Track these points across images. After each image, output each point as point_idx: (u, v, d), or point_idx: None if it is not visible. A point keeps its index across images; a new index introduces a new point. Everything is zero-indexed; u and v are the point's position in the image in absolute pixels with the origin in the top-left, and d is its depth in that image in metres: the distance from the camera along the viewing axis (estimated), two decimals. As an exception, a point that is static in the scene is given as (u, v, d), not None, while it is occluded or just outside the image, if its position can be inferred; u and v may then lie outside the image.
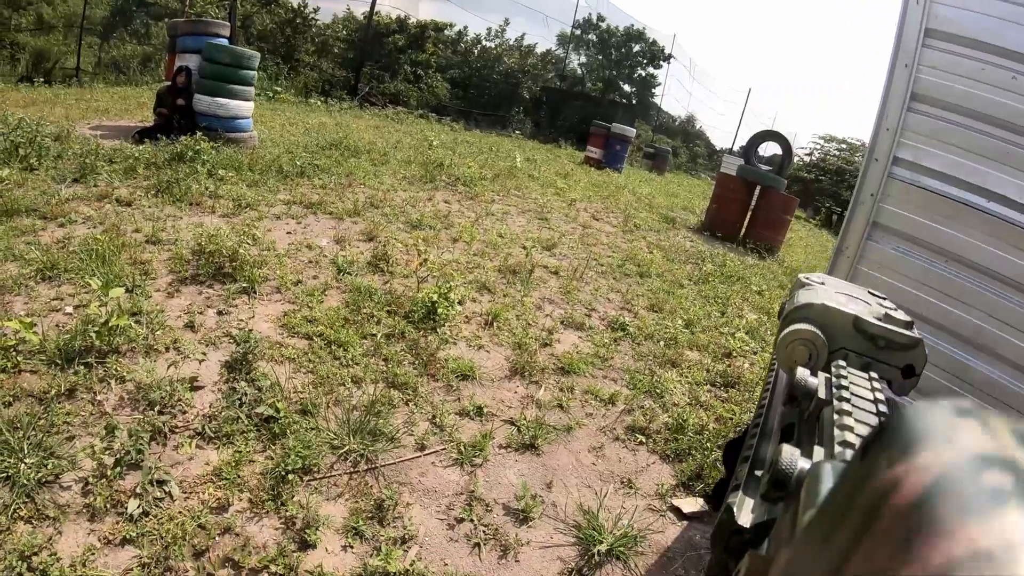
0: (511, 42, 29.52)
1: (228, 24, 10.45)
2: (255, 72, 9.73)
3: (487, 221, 8.21)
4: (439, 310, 4.63)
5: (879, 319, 0.99)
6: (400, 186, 8.92)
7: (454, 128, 19.71)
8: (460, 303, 4.98)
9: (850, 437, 0.84)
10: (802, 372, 0.88)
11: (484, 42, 29.04)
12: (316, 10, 23.19)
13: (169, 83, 9.31)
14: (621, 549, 2.91)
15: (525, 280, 6.07)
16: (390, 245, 5.96)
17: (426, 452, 3.28)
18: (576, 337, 5.17)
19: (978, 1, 3.13)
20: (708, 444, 3.94)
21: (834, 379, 0.90)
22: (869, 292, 1.10)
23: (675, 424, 4.11)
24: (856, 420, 0.87)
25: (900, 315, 1.01)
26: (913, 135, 3.31)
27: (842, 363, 0.92)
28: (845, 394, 0.88)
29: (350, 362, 3.89)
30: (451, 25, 27.87)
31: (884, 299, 1.10)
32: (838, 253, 3.53)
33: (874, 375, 0.95)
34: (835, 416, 0.87)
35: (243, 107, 9.33)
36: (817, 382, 0.91)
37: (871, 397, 0.91)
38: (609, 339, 5.25)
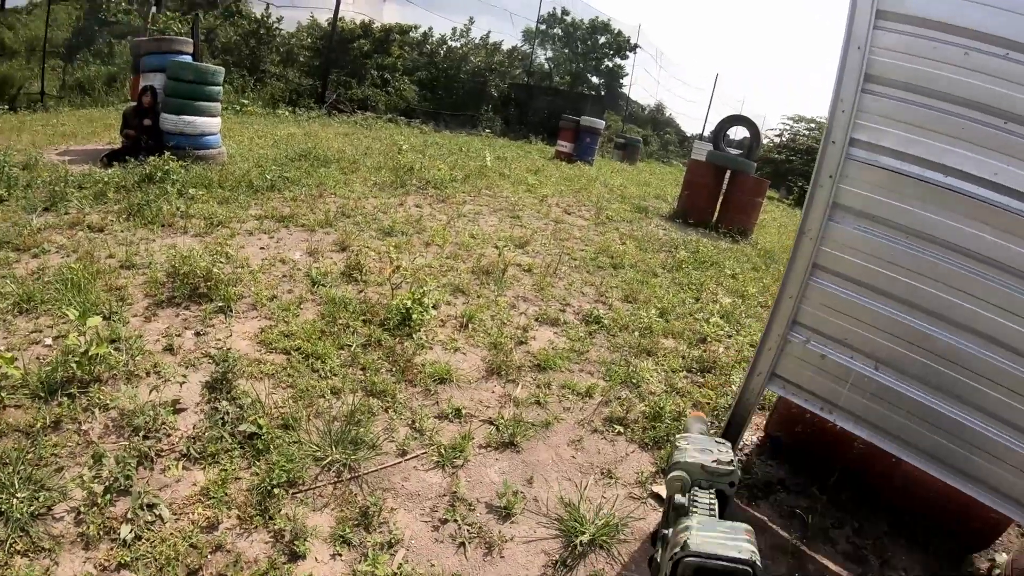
0: (477, 41, 29.53)
1: (191, 40, 10.38)
2: (220, 87, 9.73)
3: (459, 223, 8.27)
4: (414, 316, 4.69)
5: (714, 461, 1.54)
6: (371, 193, 8.96)
7: (424, 131, 19.67)
8: (434, 307, 5.05)
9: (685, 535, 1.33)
10: (678, 497, 1.44)
11: (450, 42, 29.01)
12: (279, 19, 23.10)
13: (135, 104, 9.28)
14: (604, 538, 3.00)
15: (498, 280, 6.14)
16: (363, 254, 6.01)
17: (407, 457, 3.35)
18: (551, 333, 5.26)
19: (926, -22, 3.18)
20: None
21: (691, 498, 1.46)
22: (715, 441, 1.66)
23: (652, 412, 4.20)
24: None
25: (725, 455, 1.55)
26: (869, 116, 3.35)
27: (697, 489, 1.50)
28: (692, 508, 1.43)
29: (328, 374, 3.95)
30: (416, 27, 27.81)
31: (722, 443, 1.64)
32: (801, 235, 3.56)
33: (712, 492, 1.52)
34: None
35: (210, 123, 9.34)
36: (684, 501, 1.45)
37: (708, 504, 1.48)
38: (584, 333, 5.35)
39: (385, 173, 10.32)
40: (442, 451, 3.43)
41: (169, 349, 3.94)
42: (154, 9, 18.84)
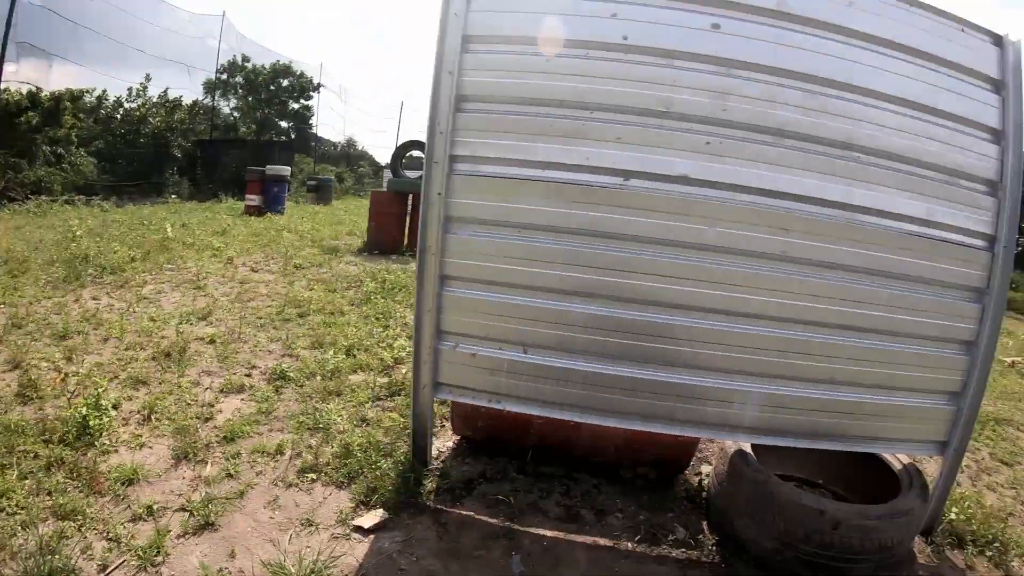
0: (155, 99, 27.80)
1: None
2: None
3: (139, 307, 7.99)
4: (91, 422, 4.53)
5: None
6: (43, 294, 8.39)
7: (104, 208, 18.23)
8: (114, 407, 4.96)
9: None
10: None
11: (126, 104, 26.95)
12: (-68, 100, 20.51)
13: None
14: (312, 584, 3.20)
15: (177, 361, 6.19)
16: (35, 368, 5.74)
17: (109, 570, 3.30)
18: (238, 401, 5.41)
19: (510, 2, 3.57)
20: (374, 456, 4.36)
21: None
22: None
23: (342, 451, 4.48)
24: None
25: None
26: (466, 132, 3.63)
27: None
28: None
29: (16, 509, 3.70)
30: (90, 90, 25.31)
31: None
32: (422, 253, 3.78)
33: None
34: None
35: None
36: None
37: None
38: (271, 391, 5.57)
39: (58, 267, 9.62)
40: (140, 553, 3.38)
41: None
42: None
